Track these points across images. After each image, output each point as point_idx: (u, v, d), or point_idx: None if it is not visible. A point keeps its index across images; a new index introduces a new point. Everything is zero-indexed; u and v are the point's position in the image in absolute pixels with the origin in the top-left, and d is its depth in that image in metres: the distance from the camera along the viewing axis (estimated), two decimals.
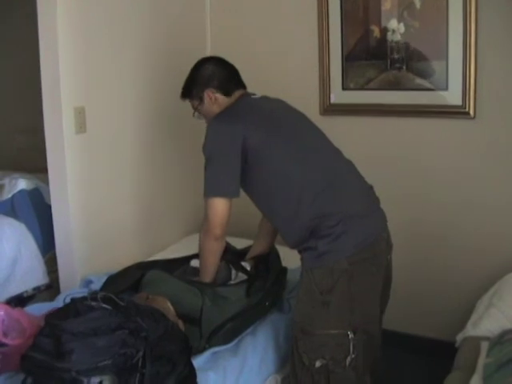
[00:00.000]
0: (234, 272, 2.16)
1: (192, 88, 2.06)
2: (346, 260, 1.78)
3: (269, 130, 1.90)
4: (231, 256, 2.24)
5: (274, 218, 2.00)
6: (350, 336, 1.79)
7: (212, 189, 1.88)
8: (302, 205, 1.85)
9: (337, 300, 1.79)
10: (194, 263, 2.23)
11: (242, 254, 2.32)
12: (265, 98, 2.08)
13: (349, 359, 1.79)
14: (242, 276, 2.15)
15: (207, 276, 2.03)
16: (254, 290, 2.06)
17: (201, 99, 2.05)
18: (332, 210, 1.83)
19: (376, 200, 2.01)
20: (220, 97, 2.02)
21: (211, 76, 2.03)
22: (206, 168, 1.90)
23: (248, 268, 2.19)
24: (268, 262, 2.25)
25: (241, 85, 2.08)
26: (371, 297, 1.89)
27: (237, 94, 2.05)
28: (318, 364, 1.80)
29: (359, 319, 1.82)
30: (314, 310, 1.82)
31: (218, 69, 2.05)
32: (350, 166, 2.01)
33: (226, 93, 2.03)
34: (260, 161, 1.88)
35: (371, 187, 2.03)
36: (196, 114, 2.10)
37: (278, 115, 2.02)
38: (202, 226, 1.96)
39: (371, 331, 1.90)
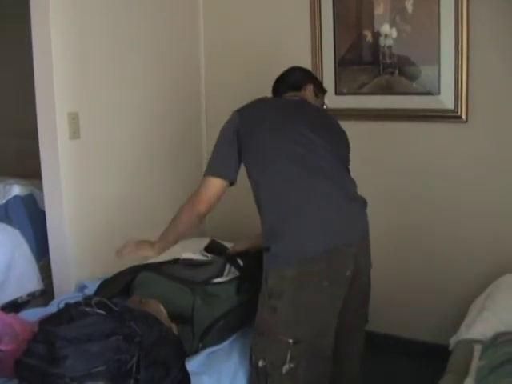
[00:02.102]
0: (227, 267, 2.15)
1: None
2: (294, 268, 1.76)
3: (264, 130, 1.90)
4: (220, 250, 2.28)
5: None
6: (290, 345, 1.77)
7: (210, 169, 1.92)
8: (267, 204, 1.87)
9: (283, 307, 1.78)
10: (186, 255, 2.27)
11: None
12: (297, 101, 2.05)
13: (286, 367, 1.77)
14: (234, 272, 2.14)
15: (165, 238, 2.03)
16: (245, 287, 2.06)
17: None
18: (292, 214, 1.81)
19: (356, 214, 1.92)
20: None
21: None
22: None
23: (241, 263, 2.18)
24: (261, 260, 2.24)
25: (291, 88, 2.12)
26: (323, 311, 1.81)
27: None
28: (260, 364, 1.82)
29: (305, 330, 1.79)
30: (263, 313, 1.84)
31: (278, 81, 2.18)
32: (348, 183, 1.95)
33: None
34: (245, 156, 1.90)
35: (363, 201, 1.97)
36: None
37: (292, 117, 1.96)
38: (188, 198, 1.94)
39: (321, 345, 1.83)
